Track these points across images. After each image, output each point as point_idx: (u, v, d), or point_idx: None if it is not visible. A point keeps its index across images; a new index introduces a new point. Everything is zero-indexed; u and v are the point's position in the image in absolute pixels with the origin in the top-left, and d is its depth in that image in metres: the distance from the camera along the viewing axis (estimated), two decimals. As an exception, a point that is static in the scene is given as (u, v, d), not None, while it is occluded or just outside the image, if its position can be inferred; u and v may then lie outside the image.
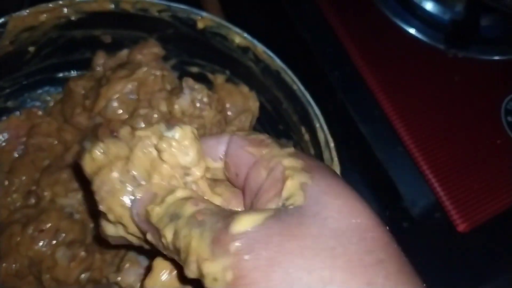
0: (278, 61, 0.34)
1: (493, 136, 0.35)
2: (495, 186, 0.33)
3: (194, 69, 0.40)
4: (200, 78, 0.39)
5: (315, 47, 0.37)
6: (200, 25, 0.36)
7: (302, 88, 0.32)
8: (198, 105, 0.36)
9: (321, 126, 0.31)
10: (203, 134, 0.35)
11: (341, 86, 0.36)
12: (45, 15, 0.33)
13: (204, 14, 0.35)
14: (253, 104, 0.39)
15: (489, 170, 0.33)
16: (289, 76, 0.33)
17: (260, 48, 0.34)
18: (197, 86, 0.36)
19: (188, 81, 0.36)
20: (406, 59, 0.35)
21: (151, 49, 0.39)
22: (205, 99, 0.36)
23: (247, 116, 0.39)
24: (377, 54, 0.35)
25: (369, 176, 0.35)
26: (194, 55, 0.39)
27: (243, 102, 0.39)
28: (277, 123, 0.36)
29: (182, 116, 0.35)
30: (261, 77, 0.36)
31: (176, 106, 0.35)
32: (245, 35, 0.35)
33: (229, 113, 0.39)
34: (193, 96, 0.36)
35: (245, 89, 0.39)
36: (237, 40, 0.35)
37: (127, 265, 0.28)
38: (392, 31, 0.36)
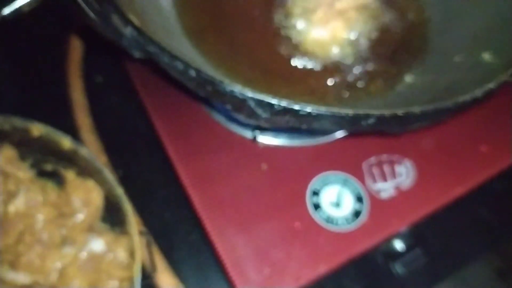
0: (97, 162, 0.39)
1: (296, 218, 0.38)
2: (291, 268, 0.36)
3: (49, 167, 0.44)
4: (55, 175, 0.44)
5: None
6: (36, 132, 0.41)
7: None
8: (32, 204, 0.40)
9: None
10: (33, 233, 0.39)
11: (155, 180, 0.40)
12: None
13: (36, 124, 0.40)
14: (97, 196, 0.43)
15: (289, 254, 0.36)
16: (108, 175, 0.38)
17: (83, 150, 0.39)
18: (32, 185, 0.40)
19: (24, 181, 0.40)
20: (217, 153, 0.39)
21: (6, 153, 0.44)
22: (39, 198, 0.40)
23: (91, 207, 0.43)
24: (190, 147, 0.39)
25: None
26: (46, 154, 0.44)
27: (87, 195, 0.43)
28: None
29: (15, 217, 0.39)
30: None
31: (11, 207, 0.40)
32: (69, 140, 0.39)
33: (75, 205, 0.43)
34: (28, 196, 0.40)
35: (90, 183, 0.43)
36: (66, 144, 0.40)
37: None
38: (207, 124, 0.40)
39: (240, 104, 0.26)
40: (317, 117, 0.25)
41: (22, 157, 0.44)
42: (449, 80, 0.32)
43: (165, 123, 0.42)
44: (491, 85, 0.27)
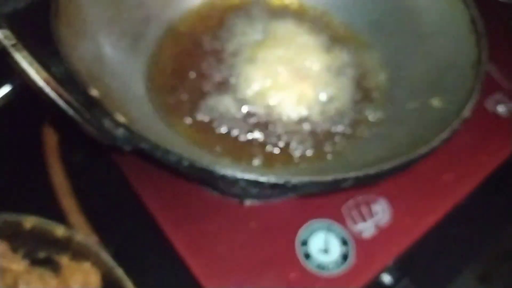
0: (93, 246, 0.40)
1: (290, 269, 0.40)
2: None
3: (42, 254, 0.45)
4: (48, 261, 0.44)
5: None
6: (28, 225, 0.42)
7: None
8: (33, 297, 0.40)
9: None
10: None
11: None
12: None
13: (28, 217, 0.41)
14: (94, 278, 0.44)
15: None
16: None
17: (77, 236, 0.40)
18: (30, 276, 0.41)
19: (21, 274, 0.41)
20: (207, 218, 0.41)
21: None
22: (39, 290, 0.41)
23: (90, 289, 0.44)
24: (179, 216, 0.41)
25: None
26: (39, 243, 0.44)
27: (85, 278, 0.44)
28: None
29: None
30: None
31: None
32: (62, 228, 0.41)
33: (74, 289, 0.44)
34: (28, 290, 0.41)
35: (87, 265, 0.44)
36: (59, 232, 0.41)
37: None
38: (193, 192, 0.42)
39: (232, 184, 0.28)
40: (302, 186, 0.28)
41: (14, 249, 0.45)
42: (405, 129, 0.36)
43: (151, 194, 0.45)
44: (444, 135, 0.31)
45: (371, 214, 0.44)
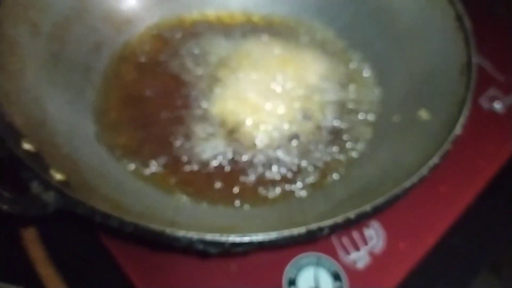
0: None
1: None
2: None
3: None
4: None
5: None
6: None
7: None
8: None
9: None
10: None
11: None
12: None
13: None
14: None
15: None
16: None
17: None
18: None
19: None
20: (186, 268, 0.37)
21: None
22: None
23: None
24: (153, 268, 0.37)
25: None
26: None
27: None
28: None
29: None
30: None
31: None
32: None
33: None
34: None
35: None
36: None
37: None
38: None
39: (188, 245, 0.24)
40: (270, 242, 0.24)
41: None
42: (389, 154, 0.32)
43: (128, 259, 0.40)
44: (435, 160, 0.27)
45: (365, 241, 0.40)
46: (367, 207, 0.25)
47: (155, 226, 0.23)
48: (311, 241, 0.25)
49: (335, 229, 0.24)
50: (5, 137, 0.26)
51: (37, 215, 0.24)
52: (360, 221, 0.25)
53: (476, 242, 0.44)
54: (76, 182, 0.27)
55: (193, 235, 0.23)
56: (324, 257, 0.39)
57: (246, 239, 0.23)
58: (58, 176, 0.26)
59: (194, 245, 0.23)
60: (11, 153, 0.25)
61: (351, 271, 0.39)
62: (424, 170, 0.26)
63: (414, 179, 0.26)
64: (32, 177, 0.24)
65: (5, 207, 0.22)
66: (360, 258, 0.39)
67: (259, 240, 0.23)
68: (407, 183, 0.26)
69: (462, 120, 0.29)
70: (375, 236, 0.40)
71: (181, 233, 0.23)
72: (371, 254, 0.39)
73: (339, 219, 0.24)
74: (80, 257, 0.42)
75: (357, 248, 0.40)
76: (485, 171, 0.46)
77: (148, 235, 0.23)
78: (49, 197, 0.24)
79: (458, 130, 0.29)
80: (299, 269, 0.38)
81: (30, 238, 0.45)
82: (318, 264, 0.38)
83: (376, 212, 0.25)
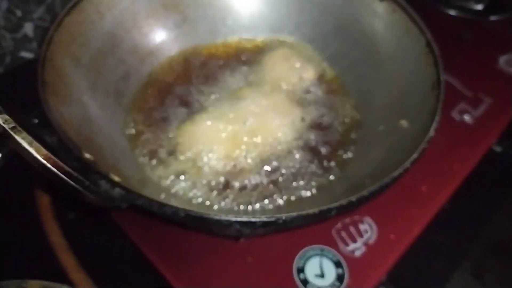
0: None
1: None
2: None
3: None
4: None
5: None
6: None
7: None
8: None
9: None
10: None
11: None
12: None
13: (31, 282, 0.42)
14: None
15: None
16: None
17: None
18: None
19: None
20: (205, 259, 0.43)
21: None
22: None
23: None
24: (179, 260, 0.43)
25: None
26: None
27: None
28: None
29: None
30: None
31: None
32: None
33: None
34: None
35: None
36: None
37: None
38: (190, 235, 0.44)
39: (227, 227, 0.31)
40: (292, 221, 0.30)
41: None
42: (379, 152, 0.40)
43: (149, 244, 0.46)
44: (415, 155, 0.34)
45: (360, 234, 0.47)
46: (365, 192, 0.32)
47: (204, 211, 0.30)
48: (322, 220, 0.32)
49: (341, 210, 0.31)
50: (72, 148, 0.32)
51: (107, 206, 0.30)
52: (360, 204, 0.32)
53: (453, 231, 0.52)
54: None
55: (232, 217, 0.30)
56: (327, 248, 0.46)
57: (273, 219, 0.30)
58: (116, 178, 0.32)
59: (232, 225, 0.30)
60: (78, 159, 0.32)
61: (350, 259, 0.45)
62: (407, 163, 0.34)
63: (400, 170, 0.33)
64: (100, 177, 0.31)
65: (92, 196, 0.29)
66: (357, 248, 0.46)
67: (283, 219, 0.30)
68: (395, 173, 0.33)
69: (434, 125, 0.36)
70: (369, 229, 0.47)
71: (222, 216, 0.30)
72: (366, 244, 0.46)
73: (344, 201, 0.31)
74: (99, 245, 0.48)
75: (354, 240, 0.46)
76: (459, 173, 0.53)
77: (195, 221, 0.30)
78: (116, 192, 0.30)
79: (431, 132, 0.36)
80: (306, 259, 0.45)
81: (52, 230, 0.50)
82: (322, 254, 0.45)
83: (372, 196, 0.32)
